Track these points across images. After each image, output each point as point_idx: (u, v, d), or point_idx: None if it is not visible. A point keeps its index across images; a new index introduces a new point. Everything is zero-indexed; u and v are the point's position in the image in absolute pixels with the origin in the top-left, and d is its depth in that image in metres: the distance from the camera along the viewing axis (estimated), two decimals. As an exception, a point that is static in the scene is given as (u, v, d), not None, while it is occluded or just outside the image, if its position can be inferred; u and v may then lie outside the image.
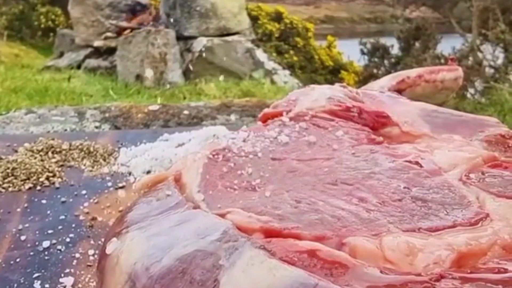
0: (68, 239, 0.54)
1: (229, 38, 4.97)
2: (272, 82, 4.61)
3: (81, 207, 0.62)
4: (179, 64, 4.73)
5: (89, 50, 5.25)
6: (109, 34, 5.11)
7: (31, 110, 1.10)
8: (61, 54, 5.62)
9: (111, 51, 5.04)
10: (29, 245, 0.53)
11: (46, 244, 0.53)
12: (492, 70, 5.87)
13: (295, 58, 6.70)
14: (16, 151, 0.78)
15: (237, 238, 0.35)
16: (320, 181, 0.44)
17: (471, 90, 5.62)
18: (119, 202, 0.63)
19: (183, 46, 4.92)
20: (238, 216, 0.39)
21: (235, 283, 0.31)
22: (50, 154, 0.77)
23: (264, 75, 4.71)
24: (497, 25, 5.79)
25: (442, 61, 5.51)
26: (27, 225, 0.57)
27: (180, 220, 0.38)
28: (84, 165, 0.75)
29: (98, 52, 5.21)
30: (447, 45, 6.36)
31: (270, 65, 4.91)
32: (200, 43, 4.86)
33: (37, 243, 0.54)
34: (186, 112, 1.08)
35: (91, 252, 0.52)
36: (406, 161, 0.47)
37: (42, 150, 0.78)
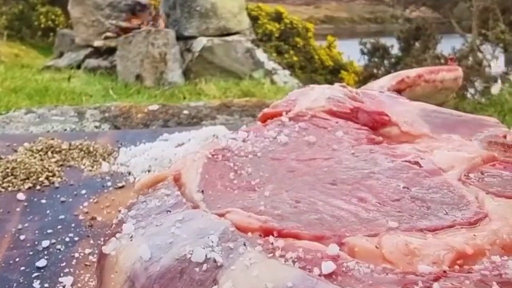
0: (67, 239, 0.54)
1: (229, 38, 4.97)
2: (272, 82, 4.61)
3: (81, 207, 0.62)
4: (179, 64, 4.73)
5: (89, 50, 5.25)
6: (109, 34, 5.11)
7: (31, 110, 1.10)
8: (61, 54, 5.62)
9: (111, 51, 5.04)
10: (28, 244, 0.53)
11: (45, 243, 0.53)
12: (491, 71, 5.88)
13: (295, 58, 6.70)
14: (15, 151, 0.78)
15: (236, 238, 0.35)
16: (319, 181, 0.44)
17: (471, 90, 5.62)
18: (119, 202, 0.63)
19: (183, 46, 4.92)
20: (238, 216, 0.39)
21: (234, 283, 0.31)
22: (49, 153, 0.77)
23: (264, 75, 4.71)
24: (497, 25, 5.79)
25: (442, 61, 5.51)
26: (26, 224, 0.57)
27: (179, 220, 0.38)
28: (84, 164, 0.75)
29: (98, 52, 5.21)
30: (447, 45, 6.36)
31: (270, 65, 4.91)
32: (200, 43, 4.86)
33: (36, 242, 0.54)
34: (185, 112, 1.08)
35: (90, 251, 0.52)
36: (406, 161, 0.47)
37: (41, 149, 0.78)
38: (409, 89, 0.74)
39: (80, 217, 0.59)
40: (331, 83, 0.69)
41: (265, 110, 0.61)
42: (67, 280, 0.47)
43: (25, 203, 0.63)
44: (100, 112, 1.09)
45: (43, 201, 0.63)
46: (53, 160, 0.75)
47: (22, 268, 0.49)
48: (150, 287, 0.33)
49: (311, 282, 0.31)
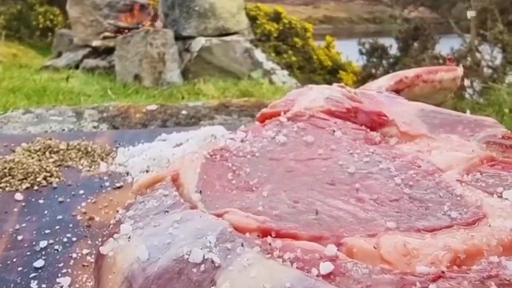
0: (65, 239, 0.54)
1: (227, 38, 4.97)
2: (271, 82, 4.61)
3: (79, 207, 0.62)
4: (177, 64, 4.73)
5: (88, 50, 5.25)
6: (107, 34, 5.11)
7: (29, 110, 1.09)
8: (59, 54, 5.61)
9: (109, 51, 5.03)
10: (26, 245, 0.53)
11: (43, 244, 0.53)
12: (490, 71, 5.88)
13: (293, 58, 6.70)
14: (13, 151, 0.78)
15: (234, 239, 0.35)
16: (317, 181, 0.44)
17: (469, 90, 5.63)
18: (117, 202, 0.62)
19: (181, 46, 4.92)
20: (236, 216, 0.38)
21: (232, 284, 0.31)
22: (47, 154, 0.77)
23: (263, 75, 4.71)
24: (495, 26, 5.80)
25: (441, 61, 5.51)
26: (24, 225, 0.57)
27: (177, 220, 0.38)
28: (82, 165, 0.75)
29: (96, 52, 5.21)
30: (446, 46, 6.37)
31: (268, 65, 4.91)
32: (198, 43, 4.86)
33: (34, 243, 0.53)
34: (184, 112, 1.08)
35: (88, 252, 0.52)
36: (404, 161, 0.47)
37: (39, 150, 0.78)
38: (408, 89, 0.74)
39: (78, 217, 0.59)
40: (329, 83, 0.68)
41: (264, 110, 0.61)
42: (65, 281, 0.47)
43: (23, 203, 0.63)
44: (98, 112, 1.09)
45: (41, 201, 0.63)
46: (51, 160, 0.75)
47: (20, 268, 0.49)
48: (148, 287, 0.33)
49: (309, 283, 0.30)
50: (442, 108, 0.61)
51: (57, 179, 0.69)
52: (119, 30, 5.04)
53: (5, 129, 1.00)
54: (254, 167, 0.47)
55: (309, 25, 7.42)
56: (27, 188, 0.66)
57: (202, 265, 0.33)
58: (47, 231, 0.56)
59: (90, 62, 5.12)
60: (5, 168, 0.70)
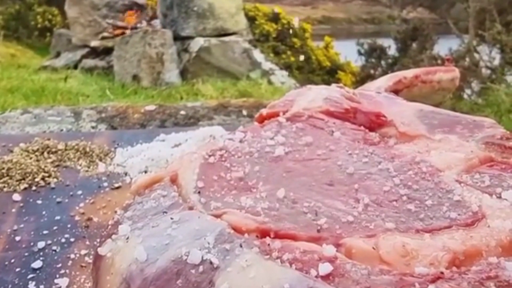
0: (63, 240, 0.54)
1: (226, 39, 4.97)
2: (269, 82, 4.61)
3: (77, 208, 0.61)
4: (176, 65, 4.73)
5: (86, 50, 5.24)
6: (106, 34, 5.10)
7: (27, 110, 1.09)
8: (58, 54, 5.61)
9: (108, 51, 5.03)
10: (24, 245, 0.53)
11: (41, 244, 0.53)
12: (488, 71, 5.89)
13: (292, 59, 6.70)
14: (11, 151, 0.78)
15: (232, 239, 0.35)
16: (316, 182, 0.44)
17: (468, 91, 5.64)
18: (115, 203, 0.62)
19: (180, 46, 4.92)
20: (234, 217, 0.38)
21: (231, 285, 0.31)
22: (45, 154, 0.77)
23: (261, 75, 4.71)
24: (493, 26, 5.81)
25: (439, 61, 5.52)
26: (22, 225, 0.57)
27: (175, 221, 0.38)
28: (80, 165, 0.74)
29: (95, 52, 5.20)
30: (444, 46, 6.38)
31: (267, 65, 4.91)
32: (197, 43, 4.86)
33: (32, 243, 0.53)
34: (182, 112, 1.08)
35: (86, 252, 0.52)
36: (403, 161, 0.47)
37: (37, 150, 0.77)
38: (406, 90, 0.74)
39: (76, 218, 0.59)
40: (328, 83, 0.68)
41: (262, 110, 0.61)
42: (63, 282, 0.47)
43: (21, 204, 0.62)
44: (96, 112, 1.09)
45: (39, 201, 0.63)
46: (49, 160, 0.75)
47: (18, 269, 0.49)
48: (146, 288, 0.33)
49: (308, 284, 0.30)
50: (440, 109, 0.61)
51: (55, 180, 0.69)
52: (117, 30, 5.03)
53: (3, 129, 1.00)
54: (252, 168, 0.47)
55: (308, 25, 7.42)
56: (25, 188, 0.66)
57: (201, 266, 0.33)
58: (45, 232, 0.56)
59: (89, 62, 5.11)
60: (3, 168, 0.70)
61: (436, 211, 0.39)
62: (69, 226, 0.57)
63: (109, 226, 0.42)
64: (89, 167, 0.74)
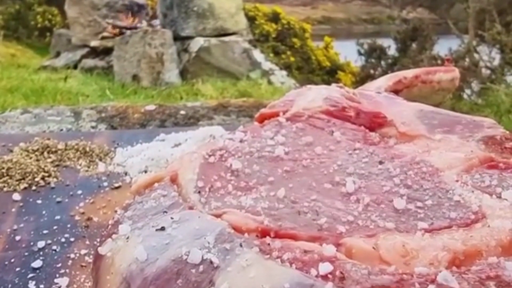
0: (63, 240, 0.54)
1: (226, 39, 4.97)
2: (269, 82, 4.61)
3: (77, 207, 0.61)
4: (176, 64, 4.73)
5: (86, 50, 5.24)
6: (106, 34, 5.10)
7: (27, 110, 1.09)
8: (58, 54, 5.61)
9: (107, 51, 5.03)
10: (24, 245, 0.53)
11: (41, 244, 0.53)
12: (488, 71, 5.89)
13: (292, 59, 6.71)
14: (11, 151, 0.78)
15: (232, 239, 0.35)
16: (316, 182, 0.44)
17: (468, 91, 5.64)
18: (115, 202, 0.62)
19: (180, 46, 4.92)
20: (234, 217, 0.38)
21: (231, 284, 0.31)
22: (45, 154, 0.77)
23: (261, 75, 4.71)
24: (493, 26, 5.81)
25: (439, 62, 5.52)
26: (22, 225, 0.57)
27: (176, 221, 0.38)
28: (80, 165, 0.74)
29: (94, 52, 5.20)
30: (444, 46, 6.38)
31: (267, 65, 4.91)
32: (197, 43, 4.86)
33: (32, 243, 0.53)
34: (182, 112, 1.08)
35: (86, 252, 0.52)
36: (403, 161, 0.47)
37: (37, 150, 0.77)
38: (406, 90, 0.74)
39: (76, 217, 0.59)
40: (328, 83, 0.68)
41: (262, 110, 0.61)
42: (63, 281, 0.47)
43: (21, 204, 0.62)
44: (96, 112, 1.09)
45: (39, 201, 0.63)
46: (49, 160, 0.75)
47: (18, 269, 0.49)
48: (146, 288, 0.33)
49: (308, 283, 0.30)
50: (441, 109, 0.61)
51: (55, 179, 0.69)
52: (117, 30, 5.03)
53: (3, 129, 1.00)
54: (252, 168, 0.47)
55: (308, 25, 7.43)
56: (25, 188, 0.66)
57: (201, 266, 0.33)
58: (45, 232, 0.56)
59: (89, 62, 5.11)
60: (3, 168, 0.70)
61: (436, 211, 0.39)
62: (69, 225, 0.57)
63: (109, 226, 0.42)
64: (89, 167, 0.74)
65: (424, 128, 0.55)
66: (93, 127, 1.03)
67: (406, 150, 0.50)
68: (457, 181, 0.44)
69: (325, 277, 0.31)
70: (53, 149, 0.78)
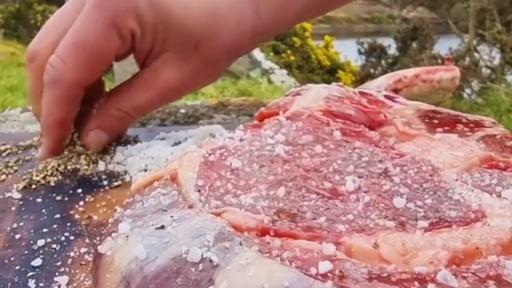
0: (63, 238, 0.54)
1: (226, 38, 4.96)
2: (269, 81, 4.62)
3: (77, 206, 0.61)
4: (176, 63, 4.72)
5: (86, 48, 5.23)
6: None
7: (27, 108, 1.09)
8: (58, 53, 5.59)
9: (108, 49, 5.01)
10: (23, 243, 0.53)
11: (40, 242, 0.53)
12: (488, 71, 5.90)
13: (292, 58, 6.71)
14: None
15: (232, 237, 0.35)
16: (316, 180, 0.44)
17: (468, 90, 5.64)
18: (115, 201, 0.62)
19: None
20: (234, 215, 0.38)
21: (230, 283, 0.31)
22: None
23: (261, 74, 4.72)
24: (493, 26, 5.81)
25: (439, 61, 5.52)
26: (21, 223, 0.57)
27: (175, 219, 0.38)
28: (80, 163, 0.74)
29: (95, 51, 5.19)
30: (444, 46, 6.39)
31: (267, 64, 4.92)
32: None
33: (31, 241, 0.53)
34: (182, 110, 1.08)
35: (86, 251, 0.52)
36: (403, 160, 0.47)
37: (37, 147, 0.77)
38: (406, 89, 0.74)
39: (76, 216, 0.59)
40: (328, 82, 0.68)
41: (262, 109, 0.61)
42: (63, 280, 0.47)
43: (21, 202, 0.62)
44: (96, 111, 1.09)
45: (39, 200, 0.63)
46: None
47: (17, 267, 0.49)
48: (146, 287, 0.33)
49: (308, 282, 0.30)
50: (441, 108, 0.61)
51: (55, 178, 0.69)
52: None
53: (3, 128, 1.00)
54: (252, 166, 0.47)
55: (308, 24, 7.43)
56: (25, 187, 0.66)
57: (200, 264, 0.33)
58: (44, 230, 0.56)
59: (89, 61, 5.10)
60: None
61: (436, 210, 0.39)
62: (68, 224, 0.57)
63: (109, 224, 0.42)
64: (89, 165, 0.74)
65: (424, 127, 0.55)
66: (93, 126, 1.03)
67: (406, 149, 0.50)
68: (457, 180, 0.44)
69: (324, 276, 0.31)
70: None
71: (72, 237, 0.54)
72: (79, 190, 0.65)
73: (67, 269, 0.49)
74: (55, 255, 0.51)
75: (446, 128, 0.54)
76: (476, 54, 6.02)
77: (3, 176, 0.69)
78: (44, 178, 0.68)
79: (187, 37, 0.70)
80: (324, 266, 0.32)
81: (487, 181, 0.43)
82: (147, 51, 0.74)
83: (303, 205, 0.40)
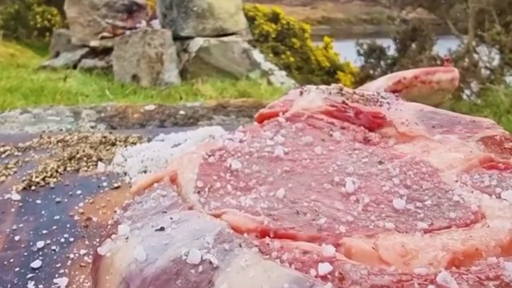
0: (62, 240, 0.54)
1: (225, 39, 4.97)
2: (269, 82, 4.61)
3: (76, 207, 0.61)
4: (175, 64, 4.73)
5: (85, 50, 5.24)
6: (105, 34, 5.10)
7: (26, 109, 1.09)
8: (57, 54, 5.60)
9: (107, 51, 5.02)
10: (23, 245, 0.53)
11: (40, 244, 0.53)
12: (487, 72, 5.90)
13: (291, 59, 6.71)
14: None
15: (232, 239, 0.35)
16: (316, 182, 0.44)
17: (467, 91, 5.64)
18: (114, 202, 0.62)
19: (179, 46, 4.92)
20: (234, 217, 0.38)
21: (230, 285, 0.31)
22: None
23: (261, 75, 4.71)
24: (492, 27, 5.81)
25: (438, 62, 5.52)
26: (21, 225, 0.57)
27: (175, 221, 0.38)
28: (79, 165, 0.74)
29: (94, 52, 5.20)
30: (443, 47, 6.39)
31: (266, 65, 4.91)
32: (196, 44, 4.85)
33: (31, 243, 0.53)
34: (182, 112, 1.08)
35: (85, 252, 0.52)
36: (402, 162, 0.47)
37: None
38: (406, 90, 0.74)
39: (76, 217, 0.59)
40: (327, 84, 0.68)
41: (262, 110, 0.61)
42: (62, 281, 0.47)
43: (20, 204, 0.62)
44: (96, 112, 1.09)
45: (38, 201, 0.63)
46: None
47: (17, 269, 0.49)
48: (146, 288, 0.33)
49: (308, 284, 0.30)
50: (440, 109, 0.61)
51: (54, 179, 0.69)
52: (117, 30, 5.03)
53: (2, 129, 1.00)
54: (252, 168, 0.47)
55: (307, 26, 7.43)
56: (24, 188, 0.66)
57: (200, 266, 0.33)
58: (44, 232, 0.56)
59: (88, 62, 5.11)
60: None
61: (436, 211, 0.39)
62: (68, 225, 0.57)
63: (109, 226, 0.42)
64: (88, 167, 0.73)
65: (424, 128, 0.55)
66: (92, 127, 1.03)
67: (405, 150, 0.50)
68: (456, 181, 0.44)
69: (324, 278, 0.31)
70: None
71: (71, 239, 0.54)
72: (79, 192, 0.65)
73: (66, 270, 0.49)
74: (55, 257, 0.51)
75: (445, 129, 0.54)
76: (475, 55, 6.02)
77: (3, 178, 0.69)
78: (43, 179, 0.68)
79: None
80: (324, 268, 0.32)
81: (487, 182, 0.43)
82: None
83: (302, 206, 0.40)
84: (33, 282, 0.47)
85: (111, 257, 0.37)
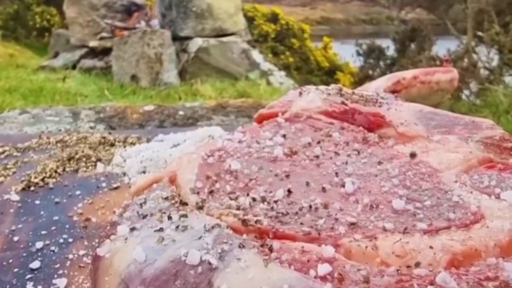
0: (61, 240, 0.54)
1: (225, 39, 4.97)
2: (268, 83, 4.61)
3: (75, 208, 0.61)
4: (174, 65, 4.73)
5: (85, 50, 5.23)
6: (104, 34, 5.10)
7: (26, 110, 1.09)
8: (56, 54, 5.60)
9: (106, 51, 5.02)
10: (22, 246, 0.53)
11: (39, 245, 0.53)
12: (486, 72, 5.90)
13: (291, 59, 6.71)
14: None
15: (231, 240, 0.35)
16: (315, 182, 0.44)
17: (466, 92, 5.65)
18: (113, 203, 0.62)
19: (178, 46, 4.92)
20: (233, 218, 0.38)
21: (229, 286, 0.31)
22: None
23: (260, 76, 4.71)
24: (492, 27, 5.82)
25: (437, 62, 5.53)
26: (20, 225, 0.57)
27: (174, 222, 0.38)
28: (79, 165, 0.74)
29: (93, 52, 5.19)
30: (442, 47, 6.40)
31: (266, 66, 4.92)
32: (196, 44, 4.85)
33: (30, 244, 0.53)
34: (181, 112, 1.08)
35: (84, 253, 0.52)
36: (402, 162, 0.47)
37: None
38: (405, 90, 0.74)
39: (75, 218, 0.59)
40: (327, 84, 0.68)
41: (261, 111, 0.61)
42: (61, 282, 0.47)
43: (19, 204, 0.62)
44: (95, 112, 1.09)
45: (37, 202, 0.63)
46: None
47: (16, 269, 0.49)
48: (145, 289, 0.33)
49: (307, 284, 0.30)
50: (439, 109, 0.61)
51: (53, 180, 0.69)
52: (116, 31, 5.03)
53: (1, 129, 1.00)
54: (251, 168, 0.47)
55: (306, 26, 7.43)
56: (23, 188, 0.66)
57: (199, 267, 0.33)
58: (43, 232, 0.56)
59: (87, 62, 5.11)
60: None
61: (435, 212, 0.39)
62: (67, 226, 0.57)
63: (108, 227, 0.42)
64: (87, 167, 0.73)
65: (423, 128, 0.55)
66: (91, 128, 1.03)
67: (405, 150, 0.50)
68: (456, 181, 0.44)
69: (324, 278, 0.31)
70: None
71: (70, 239, 0.54)
72: (78, 192, 0.65)
73: (65, 271, 0.49)
74: (54, 258, 0.51)
75: (444, 129, 0.54)
76: (474, 56, 6.02)
77: (2, 178, 0.69)
78: (42, 180, 0.68)
79: None
80: (324, 269, 0.32)
81: (486, 183, 0.43)
82: None
83: (302, 207, 0.40)
84: (32, 283, 0.47)
85: (110, 257, 0.37)
